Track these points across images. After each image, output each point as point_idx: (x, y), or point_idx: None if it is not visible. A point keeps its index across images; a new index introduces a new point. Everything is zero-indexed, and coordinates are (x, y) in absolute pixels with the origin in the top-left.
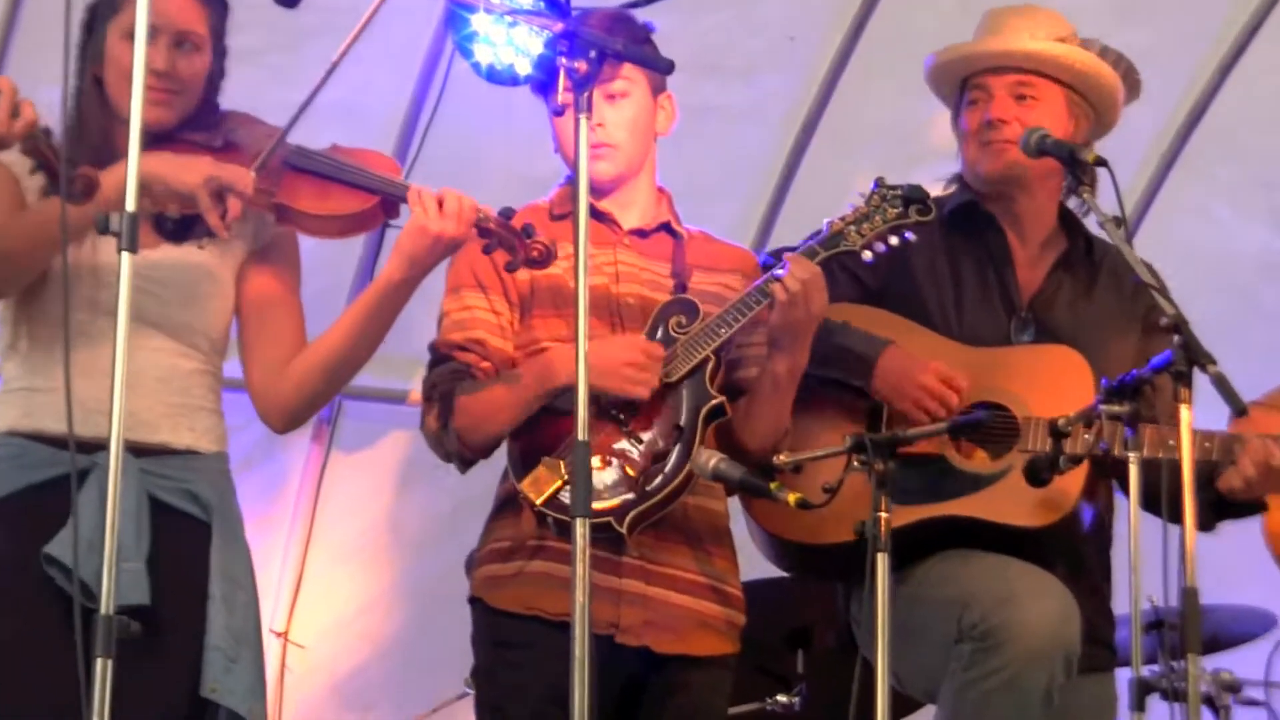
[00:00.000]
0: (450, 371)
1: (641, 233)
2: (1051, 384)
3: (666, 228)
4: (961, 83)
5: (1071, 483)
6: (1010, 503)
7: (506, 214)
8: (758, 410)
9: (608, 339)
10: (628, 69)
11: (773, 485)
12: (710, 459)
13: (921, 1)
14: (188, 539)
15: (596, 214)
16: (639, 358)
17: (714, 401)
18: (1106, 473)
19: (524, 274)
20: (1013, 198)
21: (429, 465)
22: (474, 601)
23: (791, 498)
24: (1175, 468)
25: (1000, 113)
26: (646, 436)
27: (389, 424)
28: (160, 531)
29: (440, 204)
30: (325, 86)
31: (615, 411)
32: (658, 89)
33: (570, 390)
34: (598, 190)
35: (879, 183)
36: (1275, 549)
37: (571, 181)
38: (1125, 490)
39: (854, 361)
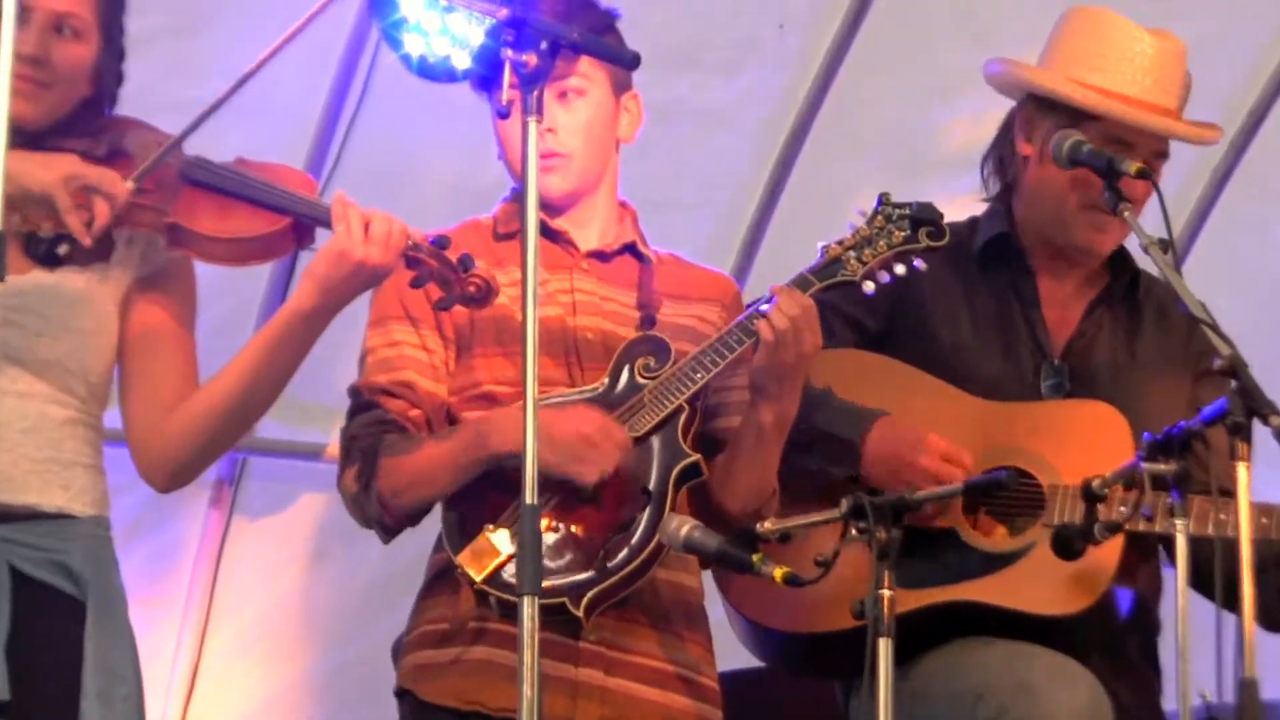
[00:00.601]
0: (374, 422)
1: (602, 255)
2: (1085, 447)
3: (631, 249)
4: (1056, 103)
5: (1105, 562)
6: (1033, 586)
7: (441, 243)
8: (740, 467)
9: (568, 408)
10: (585, 63)
11: (755, 558)
12: (682, 526)
13: None
14: (57, 619)
15: (549, 233)
16: (598, 436)
17: (688, 460)
18: (1148, 550)
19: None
20: (1059, 244)
21: (348, 533)
22: (402, 695)
23: (777, 573)
24: (1229, 546)
25: (1143, 195)
26: (607, 502)
27: (302, 484)
28: (23, 610)
29: (366, 227)
30: (225, 78)
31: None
32: (621, 87)
33: (508, 457)
34: (550, 206)
35: (883, 200)
36: None
37: (519, 195)
38: (1173, 560)
39: (836, 447)
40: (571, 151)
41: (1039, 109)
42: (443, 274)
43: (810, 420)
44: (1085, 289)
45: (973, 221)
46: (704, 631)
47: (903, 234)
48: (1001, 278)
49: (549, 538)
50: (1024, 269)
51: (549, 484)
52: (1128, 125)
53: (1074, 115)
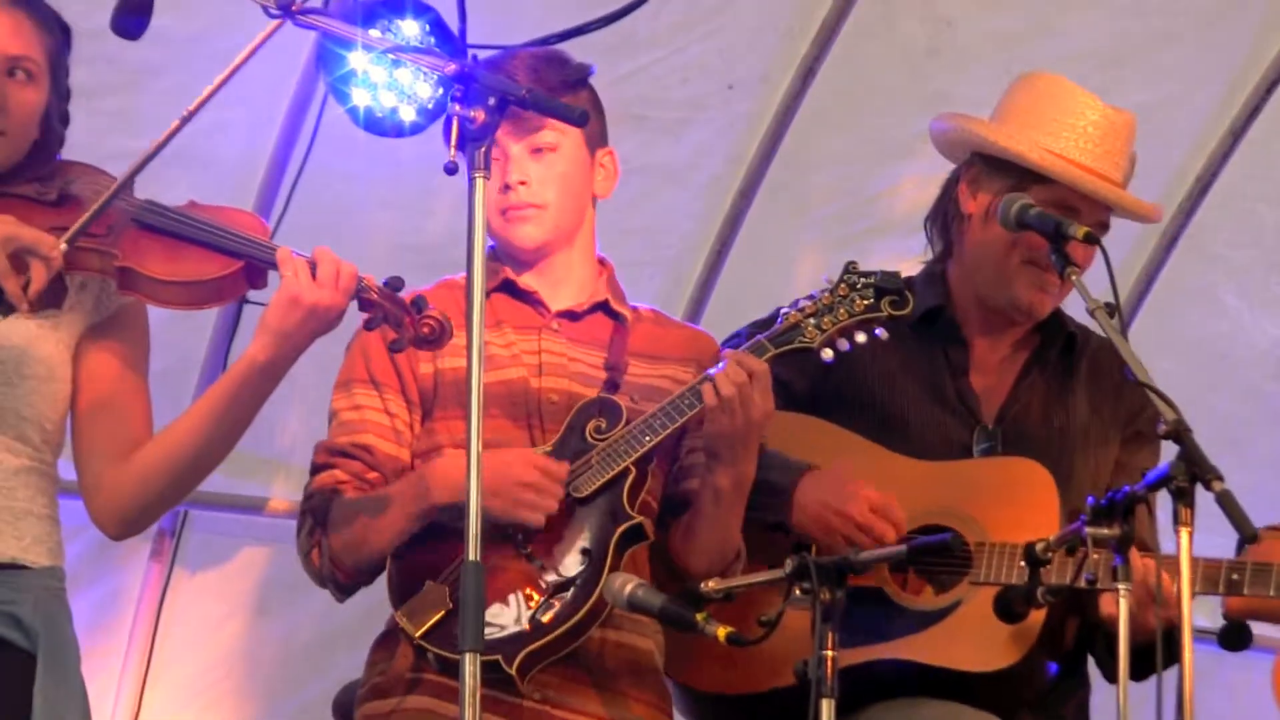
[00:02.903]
0: (329, 482)
1: (573, 315)
2: (1010, 503)
3: (604, 307)
4: (1005, 163)
5: (1032, 618)
6: (959, 643)
7: (395, 285)
8: (701, 528)
9: (501, 451)
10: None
11: (699, 616)
12: (626, 585)
13: (883, 43)
14: (5, 672)
15: (519, 293)
16: (535, 476)
17: (630, 523)
18: (1077, 608)
19: (427, 368)
20: (998, 305)
21: (290, 587)
22: None
23: (721, 632)
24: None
25: (1086, 260)
26: (548, 561)
27: (243, 537)
28: None
29: (313, 270)
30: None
31: (512, 530)
32: (595, 143)
33: (451, 509)
34: (521, 259)
35: (848, 268)
36: None
37: (495, 253)
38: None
39: (766, 495)
40: (546, 203)
41: (987, 168)
42: (396, 315)
43: None
44: (1018, 353)
45: (907, 283)
46: (654, 691)
47: (866, 302)
48: (934, 345)
49: (488, 596)
50: (957, 339)
51: (496, 530)
52: (1078, 191)
53: (1023, 176)
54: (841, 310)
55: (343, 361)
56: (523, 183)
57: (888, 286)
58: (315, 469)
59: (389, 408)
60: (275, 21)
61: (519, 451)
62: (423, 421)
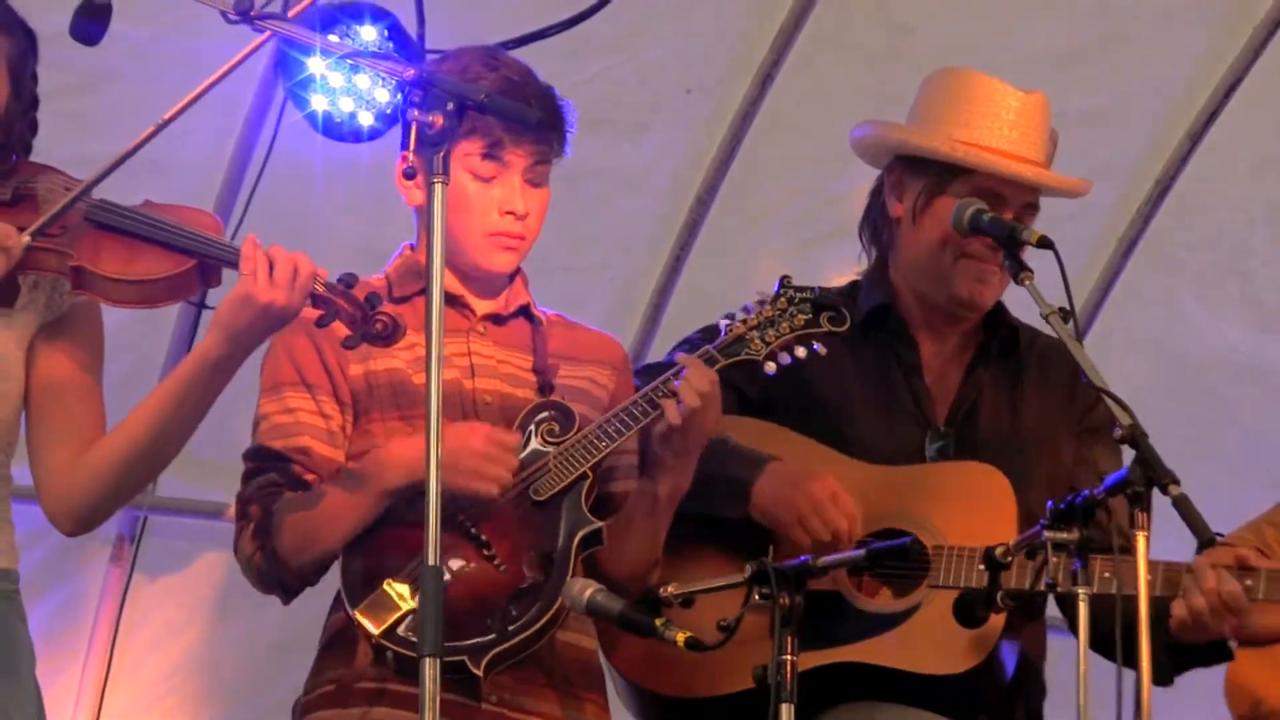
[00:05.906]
0: (269, 484)
1: (497, 318)
2: (967, 507)
3: (524, 311)
4: (925, 162)
5: (992, 622)
6: (918, 646)
7: (348, 281)
8: (630, 535)
9: (451, 425)
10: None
11: (658, 622)
12: (585, 590)
13: (840, 48)
14: None
15: (446, 297)
16: (489, 448)
17: (591, 527)
18: (1034, 612)
19: (357, 369)
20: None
21: (250, 592)
22: None
23: (680, 637)
24: (1125, 603)
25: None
26: (510, 565)
27: (204, 542)
28: None
29: (270, 268)
30: (124, 136)
31: (474, 531)
32: None
33: (407, 490)
34: (468, 276)
35: (784, 283)
36: (1234, 708)
37: (414, 250)
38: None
39: (725, 489)
40: (531, 236)
41: (908, 169)
42: (349, 313)
43: (701, 469)
44: (963, 350)
45: (853, 286)
46: (601, 691)
47: (805, 317)
48: (884, 344)
49: (450, 597)
50: (905, 336)
51: (454, 502)
52: (999, 177)
53: (942, 172)
54: (784, 324)
55: (264, 366)
56: (525, 215)
57: (825, 302)
58: (251, 474)
59: (323, 409)
60: (261, 36)
61: (472, 424)
62: (355, 424)
